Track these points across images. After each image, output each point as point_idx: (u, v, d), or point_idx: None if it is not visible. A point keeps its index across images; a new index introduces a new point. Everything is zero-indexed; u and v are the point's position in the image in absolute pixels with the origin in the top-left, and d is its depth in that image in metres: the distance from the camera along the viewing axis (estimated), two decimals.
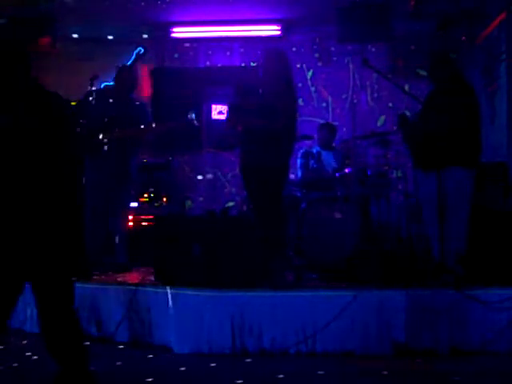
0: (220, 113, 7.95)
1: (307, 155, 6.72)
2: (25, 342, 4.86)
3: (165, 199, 7.27)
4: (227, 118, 5.33)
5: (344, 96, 8.24)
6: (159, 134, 6.43)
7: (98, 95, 5.93)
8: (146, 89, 7.63)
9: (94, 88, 6.03)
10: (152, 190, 7.25)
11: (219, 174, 8.31)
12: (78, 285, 4.91)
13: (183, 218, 6.52)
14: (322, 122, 7.62)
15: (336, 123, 7.70)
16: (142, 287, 4.78)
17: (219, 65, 8.38)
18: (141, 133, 5.88)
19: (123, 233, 5.93)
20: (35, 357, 4.37)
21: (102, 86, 6.95)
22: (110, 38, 8.02)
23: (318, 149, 6.83)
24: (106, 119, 5.77)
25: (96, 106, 5.82)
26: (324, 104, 8.30)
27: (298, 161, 6.75)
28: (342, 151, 6.94)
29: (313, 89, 8.31)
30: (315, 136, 6.96)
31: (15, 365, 4.20)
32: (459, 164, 4.89)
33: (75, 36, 7.96)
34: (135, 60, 8.19)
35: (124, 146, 5.78)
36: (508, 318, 4.37)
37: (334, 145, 7.08)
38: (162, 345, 4.58)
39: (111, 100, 5.95)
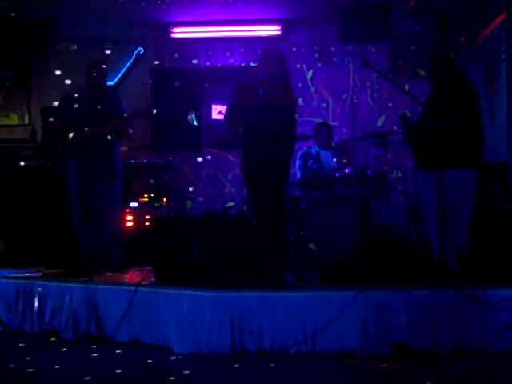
0: (220, 113, 7.95)
1: (306, 156, 6.71)
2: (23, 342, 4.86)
3: (165, 199, 7.26)
4: (225, 116, 5.32)
5: (344, 96, 8.24)
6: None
7: (73, 97, 5.88)
8: None
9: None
10: (152, 190, 7.25)
11: (219, 174, 8.32)
12: (77, 285, 5.02)
13: (183, 218, 6.52)
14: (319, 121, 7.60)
15: (336, 123, 7.69)
16: (142, 287, 4.78)
17: (219, 65, 8.38)
18: (114, 127, 5.73)
19: (117, 232, 5.88)
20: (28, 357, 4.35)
21: None
22: (110, 38, 8.02)
23: (317, 149, 6.82)
24: (78, 119, 5.70)
25: (71, 108, 5.78)
26: (324, 104, 8.31)
27: (297, 162, 6.74)
28: (341, 151, 6.92)
29: (313, 89, 8.31)
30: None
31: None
32: (463, 165, 4.88)
33: (75, 36, 7.96)
34: (135, 60, 8.23)
35: (103, 142, 5.70)
36: (508, 318, 4.36)
37: (333, 144, 7.07)
38: (161, 345, 4.57)
39: (84, 100, 5.84)
